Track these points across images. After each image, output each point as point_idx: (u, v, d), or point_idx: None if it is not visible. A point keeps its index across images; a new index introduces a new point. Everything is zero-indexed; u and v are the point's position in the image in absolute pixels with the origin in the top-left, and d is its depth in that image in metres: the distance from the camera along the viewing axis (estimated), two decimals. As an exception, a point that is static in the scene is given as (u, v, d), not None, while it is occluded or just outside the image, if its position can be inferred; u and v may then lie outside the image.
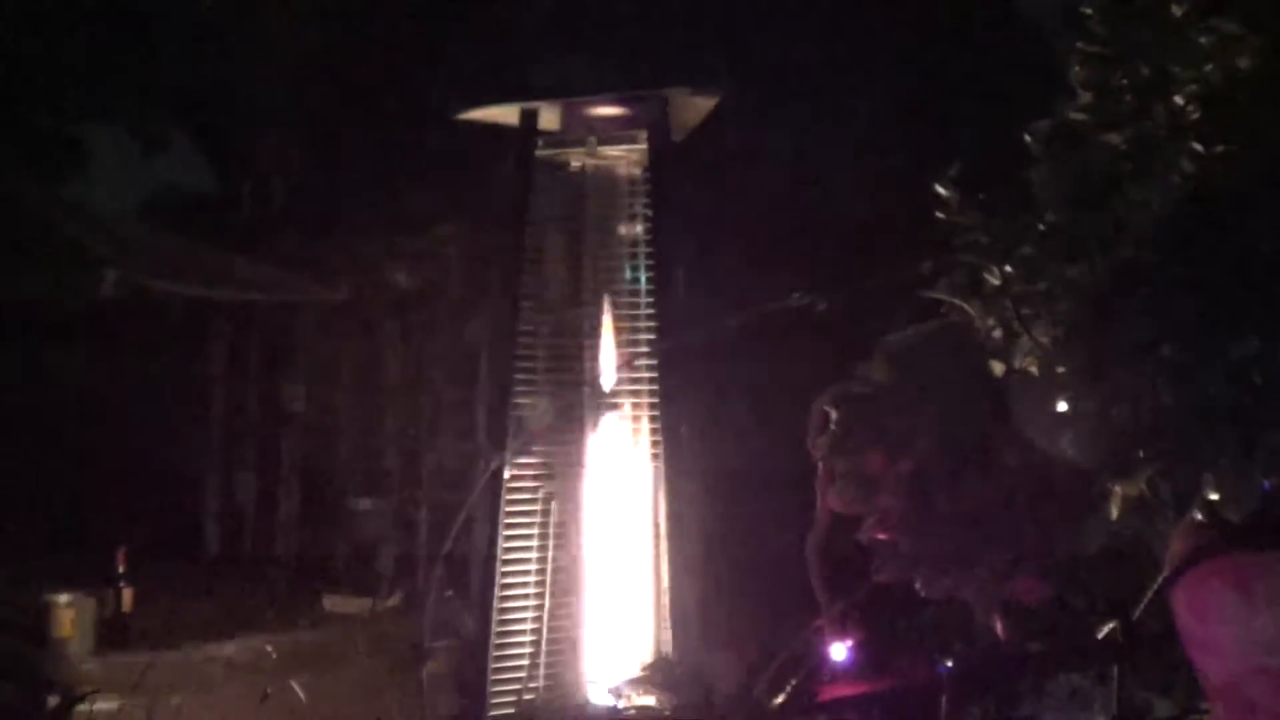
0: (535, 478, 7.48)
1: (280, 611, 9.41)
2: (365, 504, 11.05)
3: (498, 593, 7.20)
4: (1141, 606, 4.27)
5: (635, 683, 5.12)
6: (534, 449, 7.48)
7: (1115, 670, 4.48)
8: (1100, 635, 4.34)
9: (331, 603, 9.92)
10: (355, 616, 9.64)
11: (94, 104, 11.70)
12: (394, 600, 10.07)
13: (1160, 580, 4.19)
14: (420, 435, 11.10)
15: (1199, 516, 4.19)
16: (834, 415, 4.32)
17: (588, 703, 5.36)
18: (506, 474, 7.44)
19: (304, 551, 11.55)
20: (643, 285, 7.51)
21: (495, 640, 7.09)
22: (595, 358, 7.54)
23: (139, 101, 11.85)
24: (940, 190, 4.49)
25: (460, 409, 10.89)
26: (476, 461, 9.20)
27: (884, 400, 4.19)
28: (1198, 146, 4.17)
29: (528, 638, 7.20)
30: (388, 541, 10.80)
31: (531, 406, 7.51)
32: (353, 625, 9.50)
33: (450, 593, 7.24)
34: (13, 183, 10.97)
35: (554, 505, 7.47)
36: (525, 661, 7.13)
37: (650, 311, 7.46)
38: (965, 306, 4.22)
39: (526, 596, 7.25)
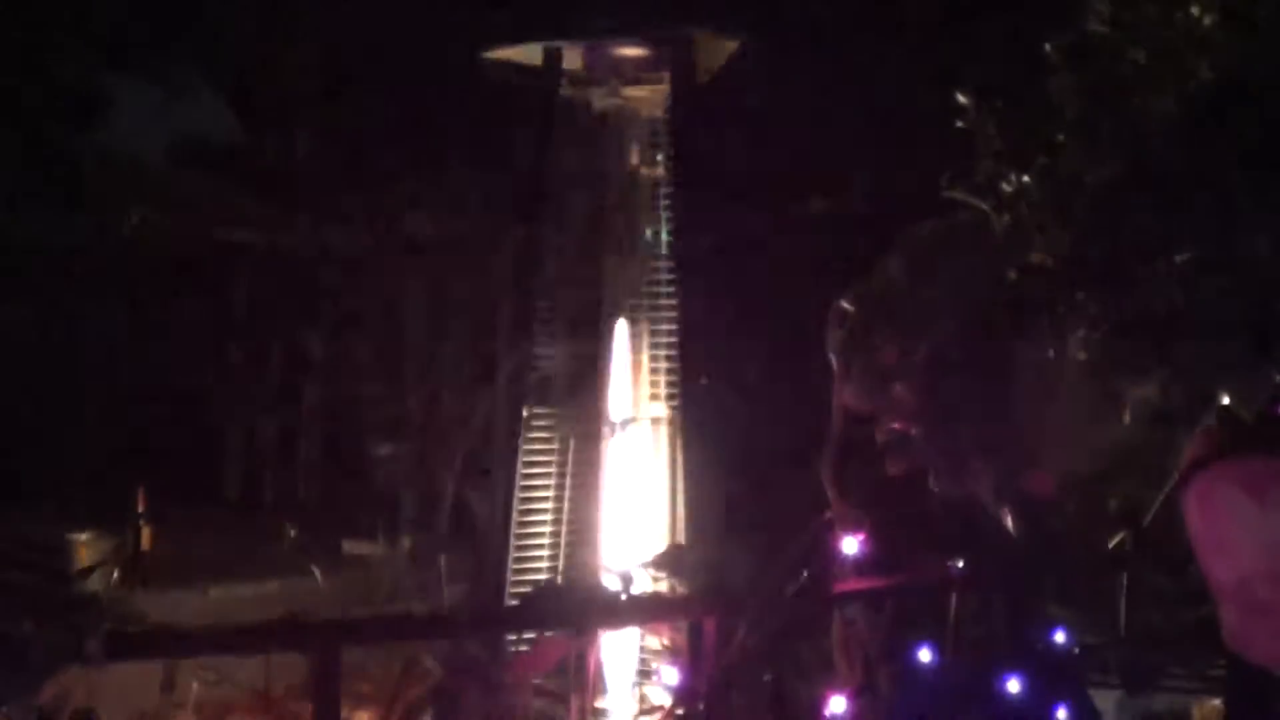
0: (554, 421, 7.54)
1: (299, 552, 9.45)
2: (385, 449, 11.10)
3: (518, 502, 7.30)
4: (1152, 513, 4.31)
5: (647, 568, 5.16)
6: (552, 396, 7.55)
7: (1124, 579, 4.53)
8: (1111, 544, 4.39)
9: (351, 545, 9.98)
10: (373, 558, 9.70)
11: (118, 54, 11.75)
12: (410, 541, 10.15)
13: (1171, 484, 4.23)
14: (440, 382, 11.13)
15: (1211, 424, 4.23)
16: (851, 312, 4.38)
17: (600, 586, 5.42)
18: (524, 412, 7.51)
19: (324, 495, 11.61)
20: (664, 226, 7.54)
21: (515, 533, 7.20)
22: (614, 304, 7.57)
23: (163, 52, 11.91)
24: (961, 99, 4.53)
25: (480, 356, 10.91)
26: (494, 407, 9.28)
27: (900, 291, 4.24)
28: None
29: (548, 530, 7.32)
30: (407, 485, 10.86)
31: (550, 354, 7.58)
32: (371, 566, 9.58)
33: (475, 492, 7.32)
34: (38, 129, 11.03)
35: (572, 443, 7.53)
36: (544, 553, 7.26)
37: (670, 249, 7.49)
38: (982, 205, 4.26)
39: (546, 500, 7.35)
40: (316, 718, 4.35)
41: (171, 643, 4.75)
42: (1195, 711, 6.15)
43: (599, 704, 6.74)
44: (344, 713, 4.93)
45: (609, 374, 7.54)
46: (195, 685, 6.93)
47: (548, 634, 5.23)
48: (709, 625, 4.56)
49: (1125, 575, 4.42)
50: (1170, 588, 4.77)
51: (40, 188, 10.68)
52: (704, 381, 7.39)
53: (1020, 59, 4.51)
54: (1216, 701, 5.71)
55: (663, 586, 5.15)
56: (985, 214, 4.24)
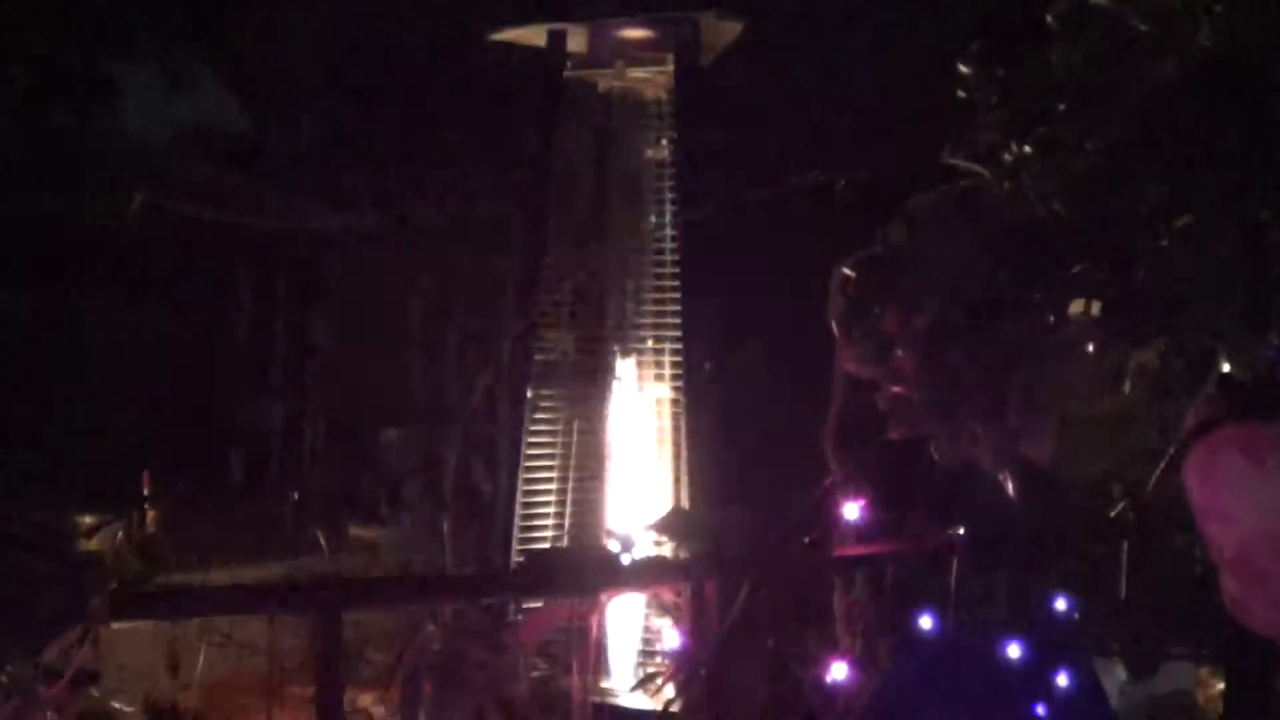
0: (558, 404, 7.56)
1: (304, 537, 9.47)
2: (390, 434, 11.12)
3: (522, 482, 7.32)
4: (1153, 480, 4.32)
5: (647, 531, 5.16)
6: (557, 382, 7.57)
7: (1125, 547, 4.53)
8: (1113, 513, 4.39)
9: (357, 529, 10.01)
10: (379, 542, 9.74)
11: (124, 42, 11.78)
12: (409, 525, 10.17)
13: (1172, 452, 4.24)
14: (445, 368, 11.15)
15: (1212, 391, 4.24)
16: (852, 278, 4.40)
17: (602, 549, 5.43)
18: (528, 394, 7.52)
19: (329, 480, 11.63)
20: (667, 209, 7.55)
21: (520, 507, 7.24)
22: (619, 289, 7.58)
23: (169, 39, 11.94)
24: (962, 68, 4.54)
25: (485, 342, 10.92)
26: (499, 395, 9.29)
27: (901, 259, 4.26)
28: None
29: (552, 509, 7.35)
30: (412, 470, 10.86)
31: (556, 340, 7.59)
32: (377, 549, 9.61)
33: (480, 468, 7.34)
34: (42, 116, 11.07)
35: (576, 425, 7.55)
36: (549, 524, 7.31)
37: (674, 234, 7.50)
38: (982, 171, 4.28)
39: (550, 481, 7.37)
40: (319, 685, 4.38)
41: (174, 602, 4.78)
42: (1199, 694, 6.15)
43: (603, 684, 6.77)
44: (347, 695, 4.96)
45: (612, 355, 7.56)
46: (202, 652, 6.95)
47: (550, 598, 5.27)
48: (710, 589, 4.58)
49: (1126, 546, 4.40)
50: (1172, 566, 4.78)
51: (43, 174, 10.72)
52: (707, 367, 7.41)
53: (1024, 29, 4.51)
54: (1219, 684, 5.72)
55: (665, 551, 5.18)
56: (986, 183, 4.26)
